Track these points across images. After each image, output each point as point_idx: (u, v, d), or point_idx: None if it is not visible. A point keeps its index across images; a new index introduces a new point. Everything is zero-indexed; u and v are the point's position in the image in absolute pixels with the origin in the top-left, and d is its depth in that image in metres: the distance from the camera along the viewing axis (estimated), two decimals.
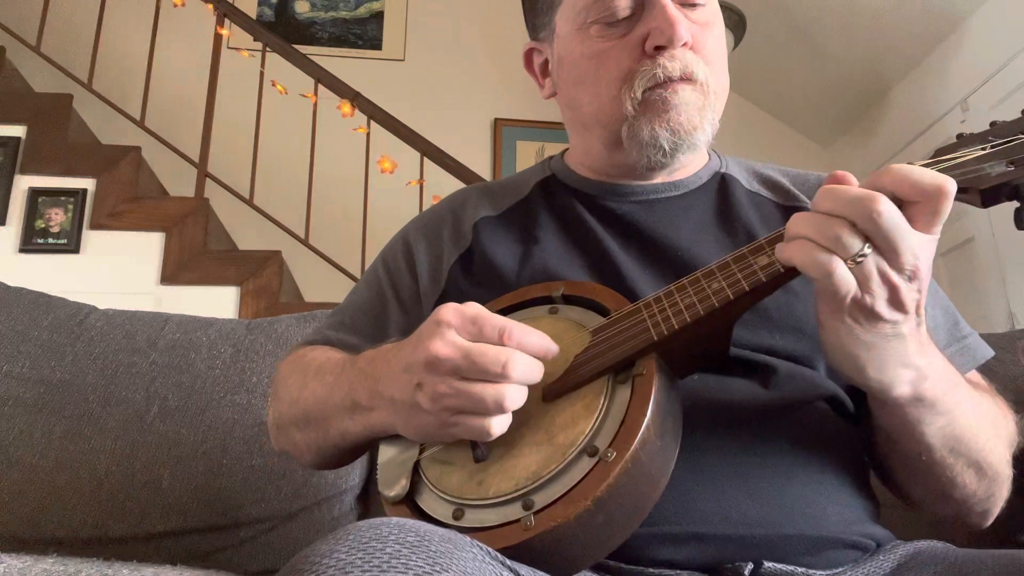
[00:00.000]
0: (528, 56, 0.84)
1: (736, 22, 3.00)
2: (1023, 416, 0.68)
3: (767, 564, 0.55)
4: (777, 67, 3.49)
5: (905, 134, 3.09)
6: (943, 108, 2.84)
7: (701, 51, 0.70)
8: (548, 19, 0.78)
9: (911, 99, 3.10)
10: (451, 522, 0.52)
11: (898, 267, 0.48)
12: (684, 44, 0.69)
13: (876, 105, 3.34)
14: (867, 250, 0.48)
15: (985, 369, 0.74)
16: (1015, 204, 0.53)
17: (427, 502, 0.56)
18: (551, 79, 0.81)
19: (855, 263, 0.48)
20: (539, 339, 0.54)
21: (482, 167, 3.39)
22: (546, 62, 0.81)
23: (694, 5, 0.72)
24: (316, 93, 2.76)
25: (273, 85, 2.79)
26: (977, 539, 0.73)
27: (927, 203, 0.48)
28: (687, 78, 0.69)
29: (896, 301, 0.50)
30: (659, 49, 0.69)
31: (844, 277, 0.48)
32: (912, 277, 0.49)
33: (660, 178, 0.77)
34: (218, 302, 2.45)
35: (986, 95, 2.63)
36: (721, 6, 0.76)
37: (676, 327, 0.54)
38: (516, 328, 0.53)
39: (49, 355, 1.05)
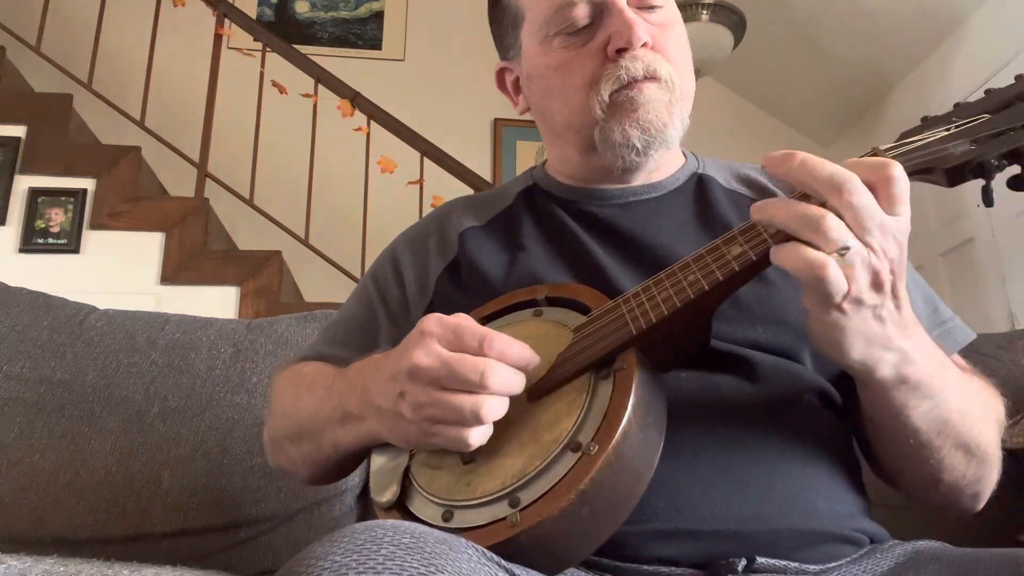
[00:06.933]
0: (500, 75, 0.86)
1: (736, 22, 2.99)
2: (1023, 416, 0.68)
3: (760, 559, 0.55)
4: (777, 67, 3.48)
5: None
6: (943, 108, 2.78)
7: (662, 50, 0.72)
8: (514, 38, 0.81)
9: (911, 99, 3.10)
10: (440, 524, 0.53)
11: (871, 246, 0.49)
12: (644, 44, 0.71)
13: (876, 105, 3.34)
14: (851, 242, 0.48)
15: (985, 369, 0.74)
16: (1006, 193, 0.53)
17: (417, 506, 0.56)
18: (523, 95, 0.83)
19: (840, 255, 0.48)
20: (520, 350, 0.54)
21: (482, 167, 3.39)
22: (517, 79, 0.84)
23: (652, 7, 0.74)
24: (316, 93, 2.76)
25: (273, 85, 2.79)
26: (976, 539, 0.73)
27: (880, 186, 0.49)
28: (651, 76, 0.70)
29: (876, 283, 0.50)
30: (621, 52, 0.71)
31: (837, 279, 0.48)
32: (884, 255, 0.50)
33: (638, 181, 0.79)
34: (218, 302, 2.45)
35: None
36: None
37: (654, 320, 0.54)
38: (497, 338, 0.53)
39: (49, 355, 1.05)
